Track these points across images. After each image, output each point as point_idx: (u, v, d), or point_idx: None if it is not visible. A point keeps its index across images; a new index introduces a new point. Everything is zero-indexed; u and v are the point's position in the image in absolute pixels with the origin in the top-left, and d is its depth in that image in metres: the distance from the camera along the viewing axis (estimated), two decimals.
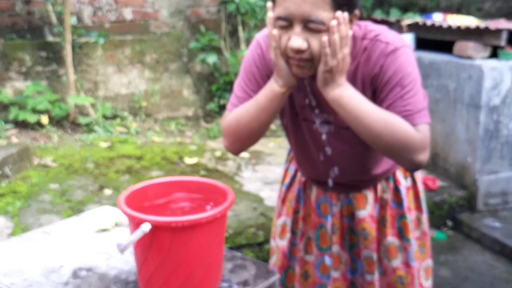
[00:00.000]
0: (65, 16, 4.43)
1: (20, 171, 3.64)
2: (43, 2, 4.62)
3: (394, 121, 1.44)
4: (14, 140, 4.20)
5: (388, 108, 1.49)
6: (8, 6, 4.68)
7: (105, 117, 4.81)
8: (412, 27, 4.32)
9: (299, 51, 1.39)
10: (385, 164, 1.77)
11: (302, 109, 1.65)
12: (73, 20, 4.60)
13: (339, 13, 1.36)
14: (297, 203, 1.96)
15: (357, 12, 1.43)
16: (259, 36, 1.66)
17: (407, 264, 1.86)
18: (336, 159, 1.73)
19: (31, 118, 4.36)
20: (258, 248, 3.17)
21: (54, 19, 4.61)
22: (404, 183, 1.84)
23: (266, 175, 3.91)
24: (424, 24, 4.17)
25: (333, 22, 1.36)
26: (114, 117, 4.93)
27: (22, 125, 4.45)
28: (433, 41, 4.21)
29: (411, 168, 1.52)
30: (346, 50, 1.40)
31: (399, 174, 1.83)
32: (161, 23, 5.20)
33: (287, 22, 1.38)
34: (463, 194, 3.78)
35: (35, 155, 3.90)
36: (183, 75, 5.26)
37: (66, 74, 4.59)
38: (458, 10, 5.25)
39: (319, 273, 1.95)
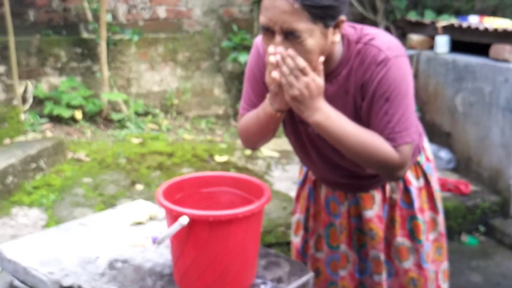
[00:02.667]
0: (100, 13, 4.49)
1: (54, 165, 3.69)
2: None
3: (373, 143, 1.48)
4: (49, 134, 4.27)
5: (372, 121, 1.50)
6: (45, 2, 4.76)
7: (137, 114, 4.86)
8: (447, 29, 4.27)
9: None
10: None
11: None
12: (108, 18, 4.66)
13: (280, 49, 1.38)
14: (308, 201, 1.97)
15: (342, 17, 1.42)
16: (258, 40, 1.68)
17: (419, 266, 1.83)
18: (333, 160, 1.72)
19: (65, 113, 4.42)
20: (287, 247, 3.16)
21: (89, 16, 4.67)
22: (415, 183, 1.81)
23: (296, 174, 3.89)
24: (460, 26, 4.12)
25: (273, 58, 1.38)
26: (146, 114, 4.97)
27: (56, 119, 4.52)
28: (468, 43, 4.15)
29: (388, 180, 1.62)
30: (308, 78, 1.40)
31: (410, 174, 1.80)
32: (194, 21, 5.23)
33: (269, 31, 1.40)
34: (496, 200, 3.72)
35: (68, 149, 3.96)
36: (215, 74, 5.28)
37: (100, 71, 4.64)
38: (493, 12, 5.17)
39: (330, 270, 1.95)
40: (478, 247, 3.53)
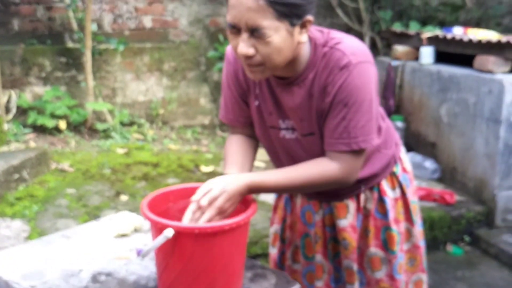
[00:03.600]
0: (86, 22, 4.47)
1: (38, 175, 3.65)
2: (65, 9, 4.67)
3: (309, 176, 1.51)
4: (32, 144, 4.22)
5: (328, 125, 1.51)
6: (29, 11, 4.73)
7: (122, 124, 4.83)
8: (432, 40, 4.30)
9: (247, 57, 1.41)
10: (363, 170, 1.71)
11: (269, 116, 1.64)
12: (93, 27, 4.64)
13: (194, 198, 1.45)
14: (285, 211, 1.95)
15: (309, 17, 1.41)
16: (228, 48, 1.68)
17: (391, 277, 1.81)
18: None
19: (49, 123, 4.38)
20: None
21: (74, 25, 4.65)
22: (391, 194, 1.79)
23: None
24: (445, 38, 4.15)
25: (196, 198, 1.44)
26: (131, 124, 4.95)
27: (40, 129, 4.48)
28: (452, 54, 4.18)
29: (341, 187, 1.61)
30: (215, 209, 1.43)
31: (386, 184, 1.79)
32: (180, 31, 5.22)
33: (235, 29, 1.40)
34: (481, 210, 3.73)
35: (52, 159, 3.92)
36: (201, 84, 5.27)
37: (85, 80, 4.62)
38: (477, 24, 5.22)
39: (306, 282, 1.92)
40: (464, 257, 3.54)
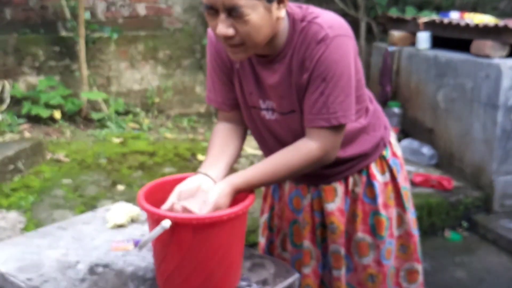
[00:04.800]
0: (79, 11, 4.42)
1: (33, 166, 3.62)
2: None
3: (291, 163, 1.50)
4: (27, 135, 4.19)
5: (306, 100, 1.49)
6: (21, 0, 4.67)
7: (118, 113, 4.80)
8: (429, 25, 4.27)
9: (227, 38, 1.40)
10: (349, 150, 1.69)
11: (250, 95, 1.63)
12: (86, 15, 4.59)
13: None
14: (272, 199, 1.93)
15: None
16: (210, 29, 1.64)
17: (378, 262, 1.79)
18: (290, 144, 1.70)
19: (44, 113, 4.35)
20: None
21: (67, 14, 4.59)
22: (380, 178, 1.77)
23: None
24: (441, 22, 4.12)
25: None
26: (127, 113, 4.91)
27: (34, 119, 4.44)
28: (449, 39, 4.16)
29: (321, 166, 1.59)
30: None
31: (375, 168, 1.77)
32: (175, 19, 5.17)
33: (213, 10, 1.38)
34: (479, 195, 3.73)
35: (47, 150, 3.89)
36: (196, 72, 5.23)
37: (79, 69, 4.57)
38: (473, 8, 5.19)
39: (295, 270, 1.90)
40: (462, 243, 3.54)
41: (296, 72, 1.50)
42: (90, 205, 3.19)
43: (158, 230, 1.34)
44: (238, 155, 1.70)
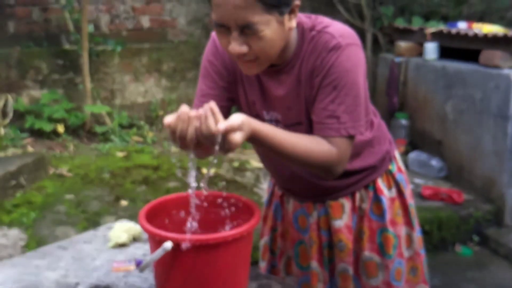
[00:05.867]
0: (82, 23, 4.39)
1: (36, 181, 3.57)
2: (61, 10, 4.59)
3: (313, 145, 1.40)
4: (30, 149, 4.15)
5: (316, 109, 1.43)
6: (25, 13, 4.65)
7: (122, 126, 4.75)
8: (436, 36, 4.21)
9: (240, 55, 1.35)
10: (355, 163, 1.63)
11: (253, 104, 1.57)
12: (90, 28, 4.56)
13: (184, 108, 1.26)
14: (275, 220, 1.84)
15: (297, 2, 1.36)
16: (214, 33, 1.59)
17: (388, 284, 1.70)
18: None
19: (47, 127, 4.31)
20: None
21: (71, 26, 4.57)
22: (387, 193, 1.71)
23: None
24: (449, 33, 4.06)
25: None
26: (131, 126, 4.86)
27: (38, 133, 4.39)
28: (457, 50, 4.10)
29: (326, 178, 1.50)
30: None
31: (381, 183, 1.70)
32: (179, 31, 5.14)
33: (224, 27, 1.33)
34: (490, 208, 3.65)
35: (50, 164, 3.84)
36: None
37: (83, 83, 4.54)
38: (481, 18, 5.14)
39: None
40: (473, 258, 3.45)
41: (305, 82, 1.45)
42: (92, 221, 3.13)
43: (159, 252, 1.28)
44: None
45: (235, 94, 1.59)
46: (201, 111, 1.26)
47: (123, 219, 2.08)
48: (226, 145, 1.26)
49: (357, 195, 1.70)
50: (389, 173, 1.73)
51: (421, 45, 4.35)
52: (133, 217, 1.96)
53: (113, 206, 3.35)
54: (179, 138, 1.28)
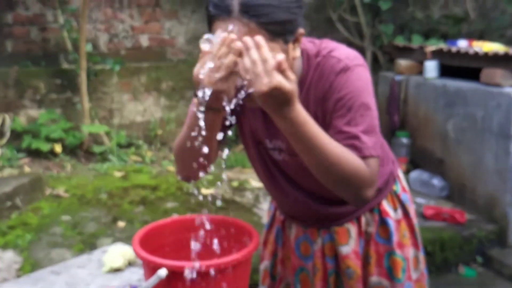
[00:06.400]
0: (80, 43, 4.37)
1: (32, 202, 3.52)
2: (59, 29, 4.57)
3: (346, 153, 1.30)
4: (27, 169, 4.10)
5: (333, 134, 1.33)
6: (23, 33, 4.64)
7: (120, 146, 4.71)
8: (436, 54, 4.19)
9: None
10: None
11: (256, 132, 1.53)
12: (88, 47, 4.53)
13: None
14: (275, 245, 1.78)
15: (301, 31, 1.31)
16: None
17: None
18: (302, 187, 1.56)
19: (44, 147, 4.26)
20: None
21: (69, 46, 4.55)
22: (393, 215, 1.65)
23: None
24: (449, 51, 4.04)
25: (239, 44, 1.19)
26: (129, 145, 4.82)
27: (35, 153, 4.35)
28: (457, 68, 4.07)
29: (355, 203, 1.40)
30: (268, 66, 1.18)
31: (387, 204, 1.65)
32: (178, 50, 5.13)
33: None
34: (493, 228, 3.59)
35: (47, 185, 3.79)
36: None
37: (81, 102, 4.50)
38: (480, 36, 5.12)
39: None
40: (477, 279, 3.39)
41: (315, 109, 1.40)
42: (89, 243, 3.08)
43: (153, 280, 1.23)
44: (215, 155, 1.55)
45: (237, 122, 1.54)
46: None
47: (119, 241, 2.03)
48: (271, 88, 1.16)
49: (363, 219, 1.64)
50: (394, 194, 1.68)
51: (421, 63, 4.33)
52: (130, 239, 1.90)
53: (110, 227, 3.29)
54: (214, 67, 1.21)
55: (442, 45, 4.28)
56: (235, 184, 4.12)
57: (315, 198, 1.58)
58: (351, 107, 1.34)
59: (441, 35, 5.13)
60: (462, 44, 4.21)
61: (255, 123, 1.51)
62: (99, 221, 3.37)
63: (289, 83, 1.18)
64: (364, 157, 1.32)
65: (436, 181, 4.04)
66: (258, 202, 3.86)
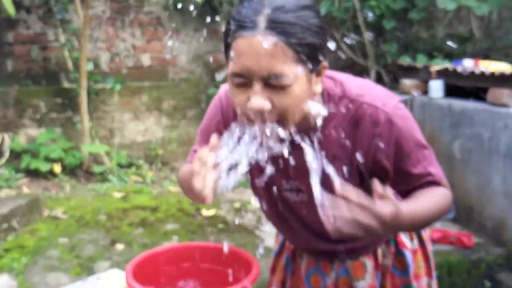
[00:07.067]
0: (80, 62, 4.32)
1: (29, 224, 3.45)
2: (60, 48, 4.53)
3: (436, 199, 1.33)
4: (25, 189, 4.03)
5: (406, 178, 1.34)
6: (23, 52, 4.60)
7: (120, 166, 4.65)
8: (442, 74, 4.12)
9: (261, 113, 1.16)
10: None
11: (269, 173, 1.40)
12: (89, 66, 4.49)
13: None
14: (285, 273, 1.69)
15: (325, 63, 1.22)
16: (222, 91, 1.47)
17: None
18: (319, 228, 1.44)
19: (44, 167, 4.21)
20: None
21: (70, 65, 4.51)
22: (409, 245, 1.58)
23: None
24: (454, 70, 3.97)
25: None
26: (130, 165, 4.76)
27: (34, 174, 4.29)
28: (462, 88, 4.00)
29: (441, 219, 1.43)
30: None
31: (403, 235, 1.57)
32: (180, 69, 5.08)
33: (244, 79, 1.16)
34: (502, 252, 3.49)
35: (45, 206, 3.72)
36: (201, 122, 5.09)
37: (81, 121, 4.45)
38: (486, 56, 5.07)
39: None
40: None
41: (333, 151, 1.32)
42: (86, 266, 3.00)
43: None
44: None
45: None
46: None
47: (117, 265, 1.95)
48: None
49: (379, 251, 1.57)
50: None
51: (426, 82, 4.26)
52: (128, 262, 1.83)
53: (108, 250, 3.21)
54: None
55: (448, 65, 4.22)
56: (236, 205, 4.04)
57: (328, 237, 1.50)
58: (410, 152, 1.32)
59: (446, 54, 5.07)
60: (468, 63, 4.14)
61: (270, 165, 1.37)
62: (97, 243, 3.29)
63: (390, 207, 1.11)
64: (442, 184, 1.38)
65: None
66: (260, 224, 3.77)
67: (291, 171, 1.36)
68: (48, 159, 4.28)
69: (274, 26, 1.11)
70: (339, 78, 1.34)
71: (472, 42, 5.15)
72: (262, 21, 1.12)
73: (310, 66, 1.17)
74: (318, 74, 1.22)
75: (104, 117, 4.76)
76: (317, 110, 1.27)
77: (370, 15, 4.78)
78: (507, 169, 3.44)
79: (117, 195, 4.07)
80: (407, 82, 4.42)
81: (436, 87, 4.09)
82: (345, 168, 1.33)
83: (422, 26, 5.20)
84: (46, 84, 4.63)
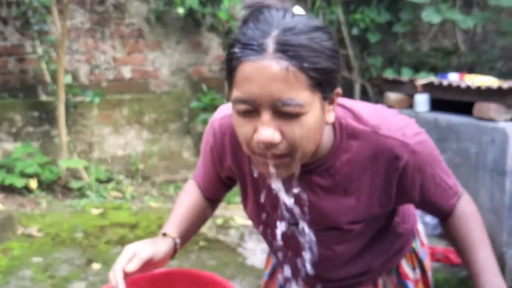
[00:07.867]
0: (58, 74, 4.21)
1: (2, 242, 3.32)
2: (37, 60, 4.42)
3: (478, 220, 1.44)
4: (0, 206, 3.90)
5: (428, 202, 1.32)
6: (0, 64, 4.48)
7: (99, 181, 4.52)
8: (427, 87, 4.07)
9: (270, 146, 1.04)
10: (381, 257, 1.43)
11: (273, 208, 1.29)
12: (68, 79, 4.38)
13: None
14: None
15: (339, 90, 1.11)
16: (215, 120, 1.33)
17: None
18: (318, 261, 1.37)
19: (19, 183, 4.07)
20: None
21: (48, 77, 4.39)
22: (412, 275, 1.51)
23: None
24: (440, 84, 3.93)
25: None
26: (109, 180, 4.63)
27: (8, 189, 4.15)
28: (448, 102, 3.96)
29: None
30: None
31: (406, 265, 1.50)
32: (161, 81, 4.98)
33: (251, 107, 1.03)
34: None
35: (19, 223, 3.59)
36: (183, 136, 4.99)
37: (59, 135, 4.33)
38: (470, 69, 5.05)
39: None
40: None
41: (345, 178, 1.22)
42: (60, 287, 2.87)
43: None
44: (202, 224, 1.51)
45: (243, 192, 1.37)
46: None
47: (93, 286, 1.84)
48: None
49: (380, 282, 1.48)
50: (413, 252, 1.53)
51: (411, 96, 4.21)
52: (104, 283, 1.73)
53: (84, 270, 3.09)
54: None
55: (433, 78, 4.18)
56: (219, 221, 3.94)
57: (328, 271, 1.43)
58: (433, 175, 1.27)
59: (431, 68, 5.05)
60: (453, 77, 4.10)
61: (268, 199, 1.28)
62: (73, 263, 3.17)
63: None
64: (461, 194, 1.43)
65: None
66: (243, 241, 3.67)
67: (301, 207, 1.25)
68: (23, 175, 4.15)
69: (285, 49, 0.99)
70: (350, 105, 1.23)
71: (457, 56, 5.13)
72: (271, 43, 1.00)
73: (324, 94, 1.06)
74: (331, 102, 1.11)
75: (83, 131, 4.64)
76: (329, 141, 1.19)
77: (354, 30, 4.75)
78: (494, 185, 3.38)
79: (95, 211, 3.95)
80: (392, 96, 4.37)
81: (422, 101, 4.04)
82: (359, 201, 1.24)
83: (407, 39, 5.18)
84: (23, 97, 4.51)
